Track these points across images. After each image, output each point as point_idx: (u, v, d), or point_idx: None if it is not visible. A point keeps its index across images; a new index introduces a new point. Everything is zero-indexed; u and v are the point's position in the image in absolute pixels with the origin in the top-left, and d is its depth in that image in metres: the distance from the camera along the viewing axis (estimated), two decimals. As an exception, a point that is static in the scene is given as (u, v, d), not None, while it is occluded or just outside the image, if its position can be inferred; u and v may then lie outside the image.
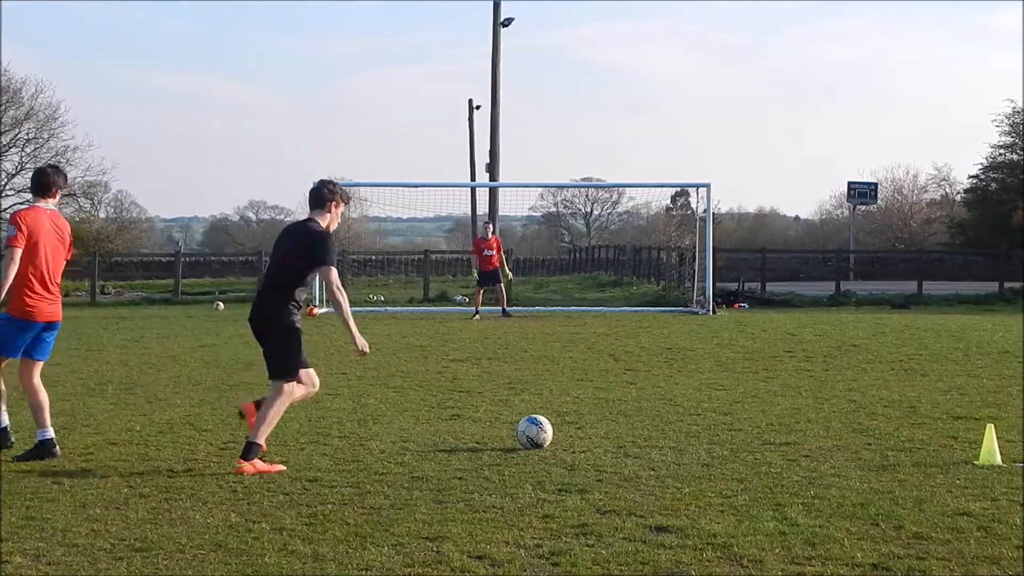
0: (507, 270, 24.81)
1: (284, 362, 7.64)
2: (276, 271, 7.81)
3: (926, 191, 74.08)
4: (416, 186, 29.74)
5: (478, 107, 53.20)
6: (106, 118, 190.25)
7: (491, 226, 25.84)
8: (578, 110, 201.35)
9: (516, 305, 28.48)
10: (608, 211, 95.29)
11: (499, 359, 14.89)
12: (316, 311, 25.14)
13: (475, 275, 25.20)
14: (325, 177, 8.32)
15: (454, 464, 7.71)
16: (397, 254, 50.57)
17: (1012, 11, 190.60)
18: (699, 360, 14.74)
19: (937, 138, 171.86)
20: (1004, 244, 41.30)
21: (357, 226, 73.26)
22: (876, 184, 63.28)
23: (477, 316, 23.50)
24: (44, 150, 55.75)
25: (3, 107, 53.48)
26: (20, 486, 7.00)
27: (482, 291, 24.30)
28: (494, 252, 24.05)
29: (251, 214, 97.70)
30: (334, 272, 7.65)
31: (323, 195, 7.85)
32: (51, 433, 8.05)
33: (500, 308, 24.20)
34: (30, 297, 7.90)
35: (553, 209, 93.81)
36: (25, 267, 7.84)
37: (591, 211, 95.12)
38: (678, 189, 62.36)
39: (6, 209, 57.69)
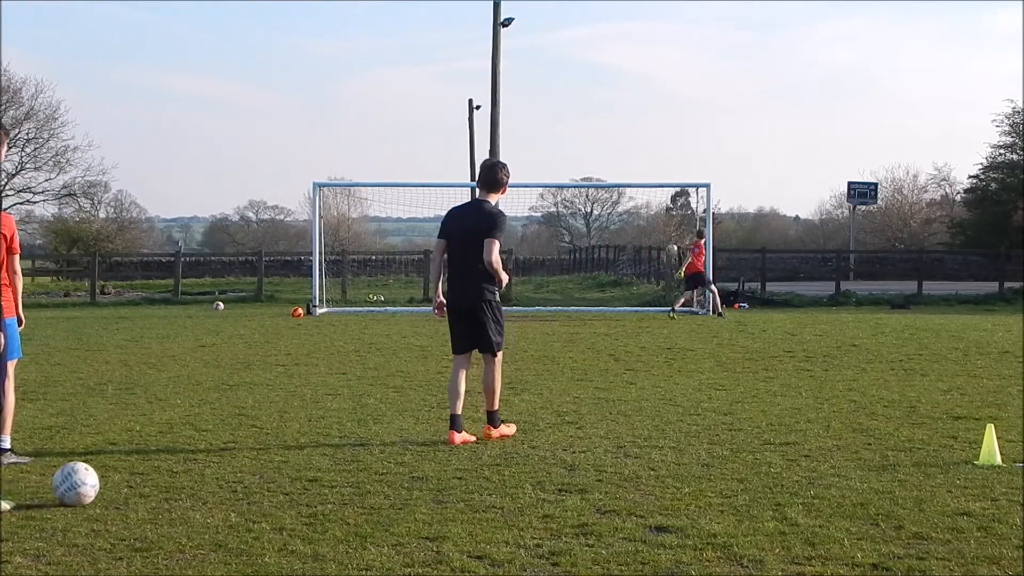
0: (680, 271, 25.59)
1: (501, 338, 8.82)
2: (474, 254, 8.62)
3: (926, 191, 74.22)
4: (416, 186, 29.77)
5: (478, 107, 53.23)
6: (106, 118, 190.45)
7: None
8: (578, 110, 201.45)
9: (516, 305, 28.51)
10: (608, 211, 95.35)
11: (499, 359, 14.88)
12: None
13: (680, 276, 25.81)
14: (498, 160, 9.10)
15: (454, 464, 7.71)
16: (397, 254, 50.60)
17: (1012, 11, 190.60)
18: (699, 360, 14.74)
19: (937, 138, 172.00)
20: (1004, 244, 41.27)
21: (357, 226, 73.34)
22: (876, 184, 63.32)
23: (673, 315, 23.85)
24: (44, 150, 55.76)
25: (3, 107, 53.43)
26: (20, 486, 7.00)
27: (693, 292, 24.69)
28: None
29: (251, 214, 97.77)
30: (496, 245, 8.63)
31: (499, 179, 8.79)
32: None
33: (714, 310, 24.46)
34: None
35: (553, 209, 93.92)
36: None
37: (591, 211, 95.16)
38: (678, 189, 62.38)
39: (6, 209, 57.69)
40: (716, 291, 24.83)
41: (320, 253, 27.08)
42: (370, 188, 33.07)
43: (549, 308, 27.78)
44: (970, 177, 64.08)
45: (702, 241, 25.12)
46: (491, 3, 36.43)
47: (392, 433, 8.98)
